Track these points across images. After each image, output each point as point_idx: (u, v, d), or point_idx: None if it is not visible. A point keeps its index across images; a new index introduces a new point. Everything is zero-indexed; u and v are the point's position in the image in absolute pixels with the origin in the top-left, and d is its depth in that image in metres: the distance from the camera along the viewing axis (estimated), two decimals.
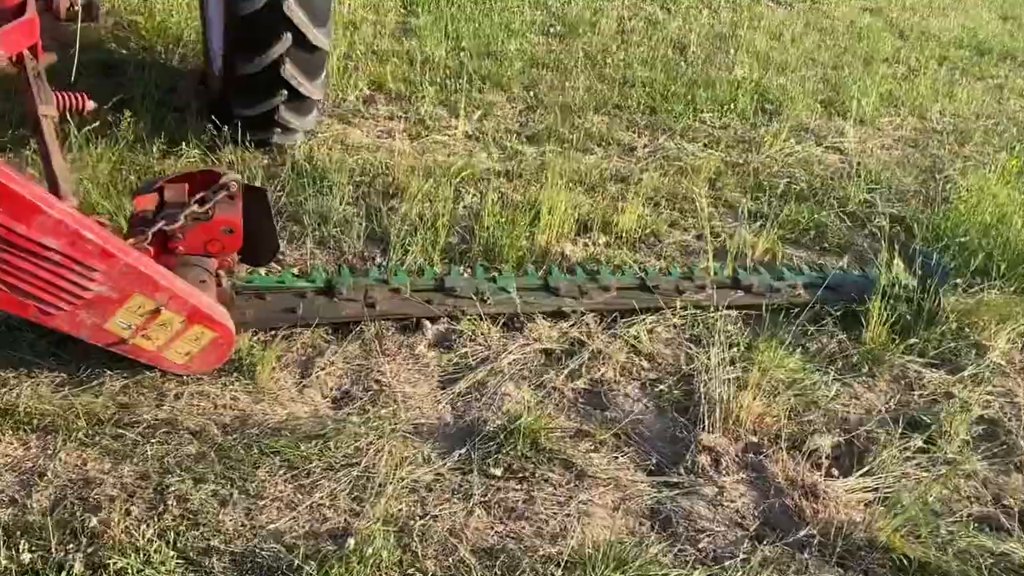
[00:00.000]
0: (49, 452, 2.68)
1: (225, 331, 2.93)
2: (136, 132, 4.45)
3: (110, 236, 2.66)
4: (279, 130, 4.53)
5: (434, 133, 5.36)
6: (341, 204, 4.30)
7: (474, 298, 3.64)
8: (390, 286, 3.61)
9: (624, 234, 4.54)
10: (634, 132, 5.90)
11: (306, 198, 4.27)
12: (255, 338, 3.33)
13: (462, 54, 6.61)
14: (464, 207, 4.57)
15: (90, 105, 3.66)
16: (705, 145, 5.83)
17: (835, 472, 3.19)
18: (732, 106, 6.44)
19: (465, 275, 3.89)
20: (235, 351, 3.17)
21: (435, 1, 7.52)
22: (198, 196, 2.99)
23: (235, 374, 3.13)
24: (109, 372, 3.00)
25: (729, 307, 3.95)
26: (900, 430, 3.38)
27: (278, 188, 4.34)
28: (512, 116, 5.82)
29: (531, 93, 6.14)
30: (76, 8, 3.90)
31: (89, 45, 5.54)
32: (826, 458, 3.22)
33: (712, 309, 3.87)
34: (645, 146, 5.66)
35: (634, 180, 5.15)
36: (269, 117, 4.41)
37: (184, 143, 4.45)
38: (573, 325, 3.73)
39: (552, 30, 7.58)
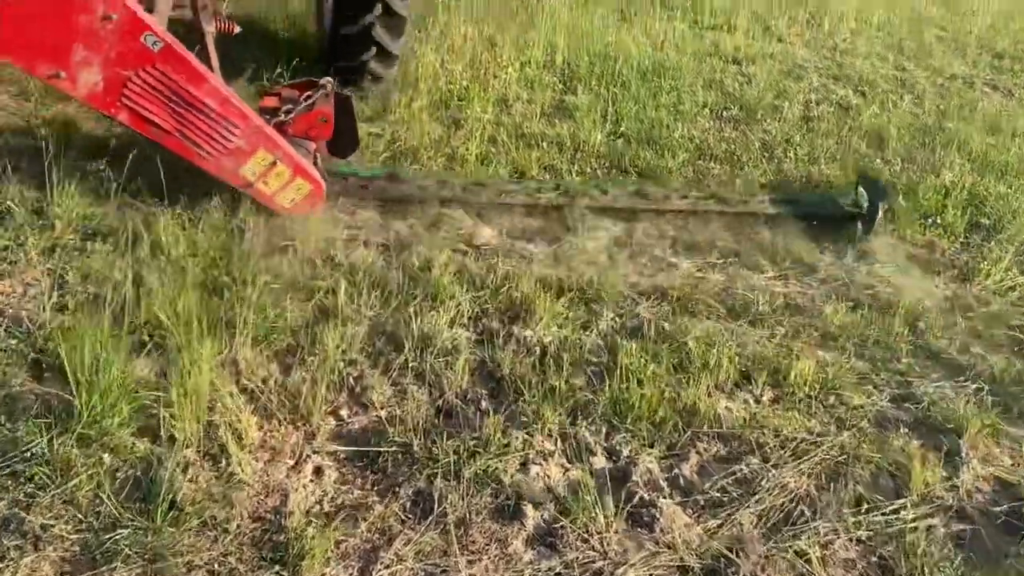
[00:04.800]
0: None
1: (318, 186, 4.09)
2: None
3: (246, 104, 3.82)
4: (370, 77, 5.63)
5: (576, 235, 4.63)
6: (452, 326, 3.64)
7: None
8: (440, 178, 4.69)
9: (797, 389, 3.62)
10: (814, 245, 4.94)
11: (411, 315, 3.63)
12: (312, 511, 2.68)
13: (620, 140, 5.89)
14: (598, 334, 3.80)
15: (236, 29, 4.96)
16: (904, 269, 4.80)
17: None
18: (938, 219, 5.37)
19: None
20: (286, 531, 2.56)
21: (598, 78, 6.86)
22: (305, 95, 4.17)
23: (277, 566, 2.47)
24: (127, 546, 2.42)
25: None
26: None
27: (383, 299, 3.73)
28: (669, 216, 5.00)
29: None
30: None
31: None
32: None
33: None
34: (829, 266, 4.70)
35: (813, 312, 4.22)
36: (362, 68, 5.55)
37: None
38: (721, 525, 2.86)
39: (726, 114, 6.75)
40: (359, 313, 3.65)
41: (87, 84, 3.50)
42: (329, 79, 4.23)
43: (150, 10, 3.87)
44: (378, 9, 5.28)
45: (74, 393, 2.83)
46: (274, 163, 3.85)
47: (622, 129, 6.04)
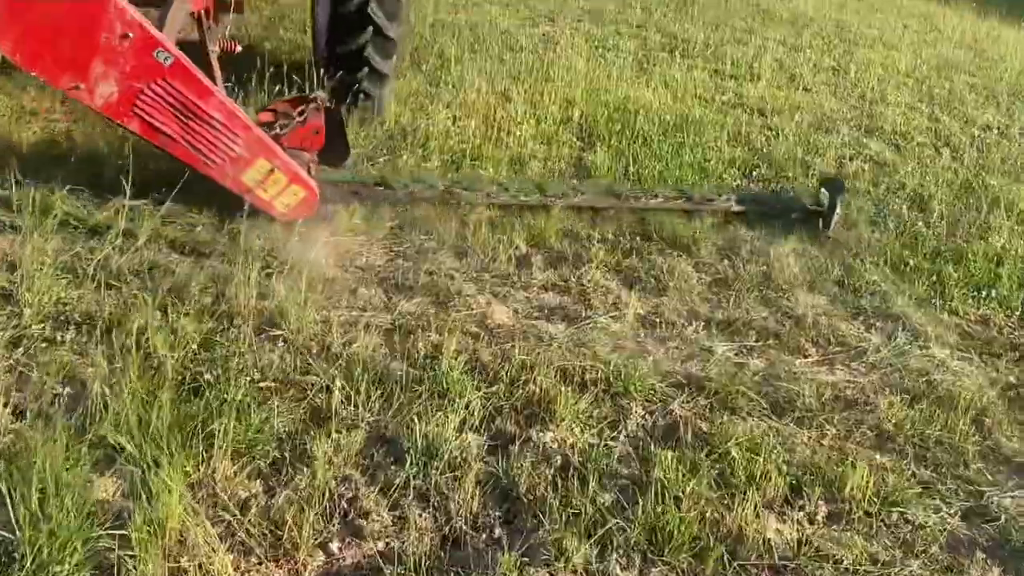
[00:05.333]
0: None
1: (312, 192, 4.32)
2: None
3: (248, 117, 4.10)
4: (362, 96, 5.80)
5: (598, 313, 4.22)
6: (461, 430, 3.21)
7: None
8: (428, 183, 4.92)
9: (854, 504, 3.16)
10: (862, 323, 4.50)
11: (415, 417, 3.21)
12: None
13: None
14: (627, 437, 3.37)
15: (238, 48, 5.39)
16: (961, 350, 4.35)
17: None
18: (992, 291, 4.92)
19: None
20: None
21: (617, 134, 6.50)
22: (299, 109, 4.42)
23: None
24: None
25: None
26: None
27: (384, 398, 3.32)
28: (700, 291, 4.59)
29: (726, 261, 4.91)
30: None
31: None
32: None
33: None
34: (878, 349, 4.25)
35: (866, 406, 3.77)
36: (355, 93, 5.73)
37: None
38: None
39: (756, 172, 6.35)
40: (356, 415, 3.23)
41: (103, 95, 3.82)
42: (320, 94, 4.62)
43: (160, 29, 4.12)
44: (370, 32, 5.62)
45: (17, 532, 2.42)
46: (272, 171, 4.16)
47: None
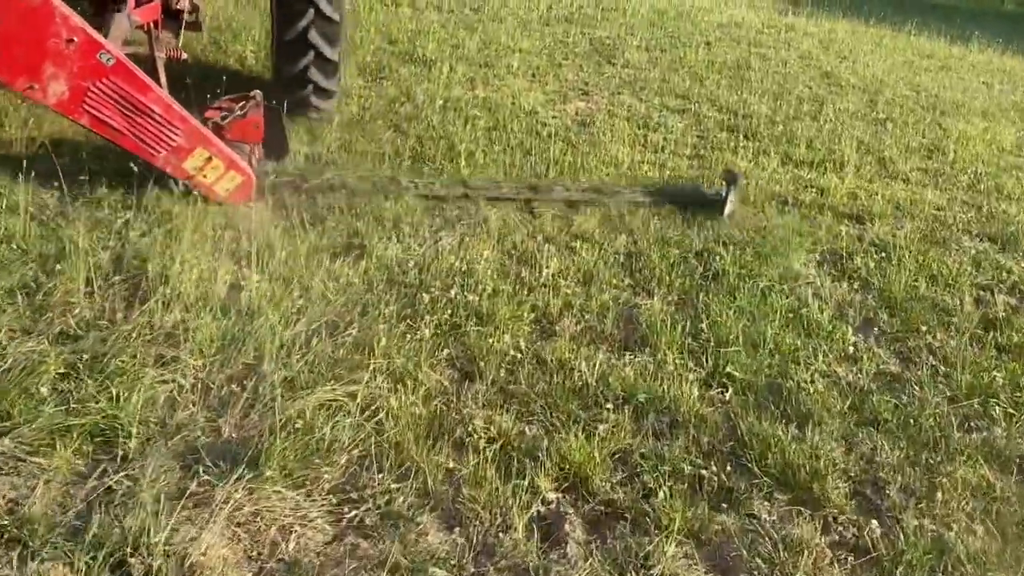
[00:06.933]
0: None
1: (249, 178, 4.69)
2: None
3: (185, 110, 4.43)
4: (312, 86, 6.10)
5: None
6: None
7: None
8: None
9: None
10: None
11: None
12: None
13: (728, 393, 3.75)
14: None
15: (184, 56, 5.84)
16: None
17: None
18: None
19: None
20: None
21: (678, 266, 4.79)
22: (239, 105, 4.84)
23: None
24: None
25: None
26: None
27: None
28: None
29: (871, 516, 3.13)
30: (184, 15, 6.18)
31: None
32: None
33: None
34: None
35: None
36: (303, 76, 6.05)
37: None
38: None
39: (878, 324, 4.57)
40: None
41: (56, 94, 4.13)
42: (258, 91, 4.96)
43: (106, 35, 4.53)
44: (311, 55, 6.04)
45: None
46: (210, 158, 4.51)
47: (727, 369, 3.90)
